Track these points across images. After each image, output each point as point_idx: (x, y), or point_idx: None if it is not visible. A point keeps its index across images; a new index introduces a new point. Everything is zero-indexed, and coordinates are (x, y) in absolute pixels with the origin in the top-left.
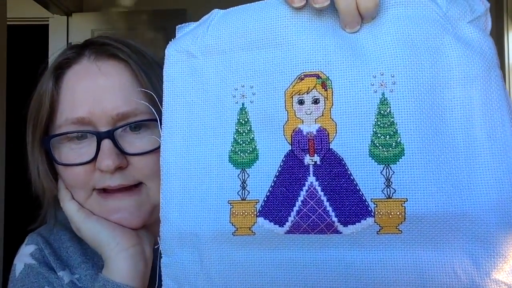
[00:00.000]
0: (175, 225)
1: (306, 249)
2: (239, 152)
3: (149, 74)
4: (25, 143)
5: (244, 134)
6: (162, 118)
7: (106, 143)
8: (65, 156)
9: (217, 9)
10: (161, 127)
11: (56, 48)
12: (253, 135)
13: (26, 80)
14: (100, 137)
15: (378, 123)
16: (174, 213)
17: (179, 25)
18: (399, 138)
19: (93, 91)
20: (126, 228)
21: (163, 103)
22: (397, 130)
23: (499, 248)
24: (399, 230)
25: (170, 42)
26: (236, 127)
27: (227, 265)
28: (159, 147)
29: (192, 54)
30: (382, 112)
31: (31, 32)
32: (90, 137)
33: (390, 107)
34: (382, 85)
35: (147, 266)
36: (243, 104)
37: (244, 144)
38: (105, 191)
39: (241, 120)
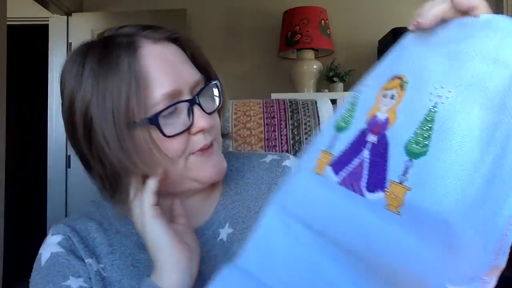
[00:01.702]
0: None
1: (343, 197)
2: (341, 121)
3: (195, 48)
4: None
5: (349, 111)
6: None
7: (198, 107)
8: (166, 131)
9: None
10: (221, 88)
11: (56, 48)
12: (354, 113)
13: (26, 80)
14: (192, 103)
15: (421, 125)
16: None
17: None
18: (429, 142)
19: (171, 66)
20: (183, 242)
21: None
22: (430, 135)
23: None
24: (398, 212)
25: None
26: (347, 106)
27: (298, 191)
28: (221, 104)
29: None
30: (427, 117)
31: (31, 32)
32: (179, 108)
33: (434, 115)
34: (438, 95)
35: (191, 282)
36: (357, 89)
37: (346, 117)
38: (201, 151)
39: (351, 101)
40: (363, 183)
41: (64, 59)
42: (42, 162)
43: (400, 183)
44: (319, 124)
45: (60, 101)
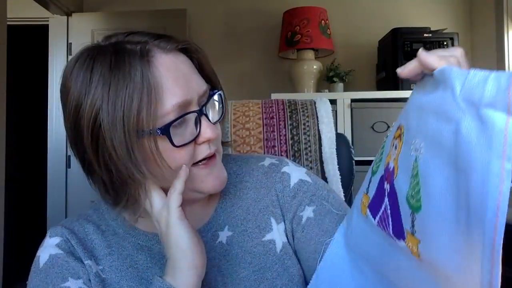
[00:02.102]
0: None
1: (383, 239)
2: (374, 164)
3: (202, 57)
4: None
5: (379, 154)
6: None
7: (205, 118)
8: (175, 141)
9: None
10: (224, 97)
11: (56, 48)
12: (383, 156)
13: (26, 80)
14: (199, 114)
15: (412, 179)
16: None
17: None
18: (420, 197)
19: (182, 77)
20: (202, 246)
21: None
22: (419, 190)
23: None
24: (420, 258)
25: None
26: (380, 149)
27: (355, 229)
28: (224, 112)
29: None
30: (413, 171)
31: (31, 32)
32: (186, 118)
33: (418, 170)
34: (416, 150)
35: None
36: (387, 135)
37: (377, 161)
38: (204, 163)
39: (383, 144)
40: (390, 230)
41: (64, 59)
42: (42, 162)
43: (412, 234)
44: (318, 124)
45: (60, 101)
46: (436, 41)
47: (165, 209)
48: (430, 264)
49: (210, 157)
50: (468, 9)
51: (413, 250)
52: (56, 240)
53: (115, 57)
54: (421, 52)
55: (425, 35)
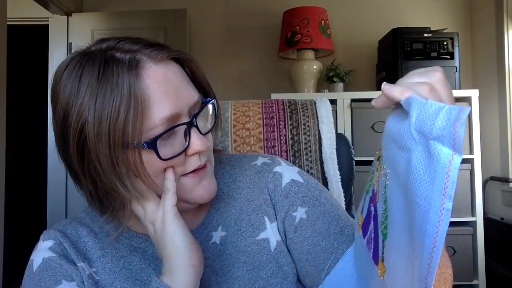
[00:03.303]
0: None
1: (368, 260)
2: (369, 183)
3: (195, 66)
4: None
5: (370, 174)
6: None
7: (195, 130)
8: (163, 154)
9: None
10: (217, 106)
11: (56, 48)
12: (373, 175)
13: (26, 80)
14: (189, 126)
15: (383, 205)
16: None
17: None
18: (387, 224)
19: (172, 88)
20: (198, 245)
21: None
22: (387, 217)
23: None
24: None
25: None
26: (372, 168)
27: (357, 247)
28: (216, 122)
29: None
30: (383, 197)
31: (31, 32)
32: (176, 130)
33: (386, 197)
34: (385, 175)
35: (198, 286)
36: (376, 155)
37: (370, 179)
38: (194, 172)
39: (374, 162)
40: (371, 254)
41: (64, 59)
42: (42, 162)
43: (382, 261)
44: (318, 124)
45: None
46: (436, 41)
47: (160, 210)
48: None
49: (201, 168)
50: (468, 9)
51: (383, 279)
52: (49, 243)
53: (103, 67)
54: (384, 86)
55: (425, 35)
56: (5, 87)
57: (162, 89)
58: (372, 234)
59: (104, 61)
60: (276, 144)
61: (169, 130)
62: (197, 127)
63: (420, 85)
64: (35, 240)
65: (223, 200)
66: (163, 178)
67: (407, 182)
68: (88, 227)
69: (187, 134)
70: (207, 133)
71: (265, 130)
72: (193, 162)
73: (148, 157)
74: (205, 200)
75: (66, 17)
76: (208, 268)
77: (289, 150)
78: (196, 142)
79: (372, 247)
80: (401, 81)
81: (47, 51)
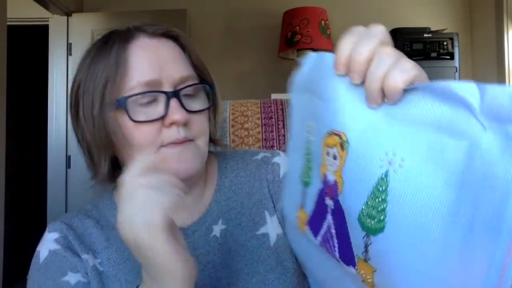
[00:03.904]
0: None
1: (328, 259)
2: (305, 174)
3: (192, 50)
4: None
5: (307, 161)
6: (288, 145)
7: (176, 101)
8: (136, 117)
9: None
10: (213, 92)
11: (56, 48)
12: (312, 164)
13: (26, 80)
14: (169, 96)
15: (372, 195)
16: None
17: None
18: (383, 217)
19: (158, 59)
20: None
21: (290, 128)
22: (385, 208)
23: None
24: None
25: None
26: (305, 156)
27: (294, 243)
28: (209, 107)
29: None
30: (378, 187)
31: (31, 32)
32: (158, 99)
33: (387, 185)
34: (390, 163)
35: None
36: (307, 138)
37: (306, 169)
38: (173, 144)
39: (306, 150)
40: (337, 254)
41: (64, 59)
42: (42, 162)
43: (365, 261)
44: None
45: (60, 101)
46: (436, 42)
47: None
48: None
49: (180, 143)
50: (468, 9)
51: (366, 280)
52: (54, 235)
53: (105, 39)
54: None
55: (425, 35)
56: (5, 87)
57: (146, 56)
58: (333, 231)
59: (107, 36)
60: (275, 144)
61: (145, 93)
62: (180, 99)
63: (382, 59)
64: (35, 241)
65: (225, 194)
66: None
67: (467, 168)
68: (94, 219)
69: (168, 103)
70: (196, 112)
71: (263, 130)
72: (171, 134)
73: (125, 121)
74: (180, 174)
75: (66, 17)
76: (209, 263)
77: None
78: (174, 111)
79: (337, 245)
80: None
81: (47, 51)
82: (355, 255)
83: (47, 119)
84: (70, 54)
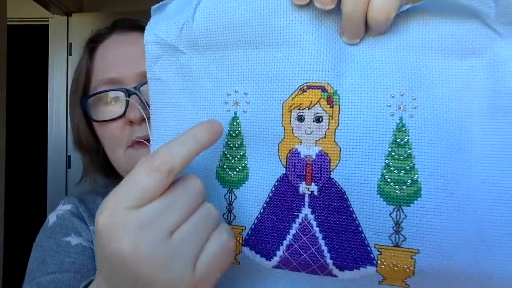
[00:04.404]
0: None
1: (295, 286)
2: (227, 169)
3: None
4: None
5: (234, 148)
6: (151, 120)
7: (134, 98)
8: (101, 116)
9: None
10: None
11: (56, 48)
12: (245, 151)
13: (26, 80)
14: (128, 92)
15: (393, 153)
16: None
17: (155, 6)
18: (416, 175)
19: (122, 56)
20: None
21: (150, 103)
22: (414, 164)
23: None
24: (405, 284)
25: (146, 30)
26: (226, 139)
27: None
28: None
29: (177, 48)
30: (398, 141)
31: (31, 32)
32: (121, 97)
33: (408, 136)
34: (400, 108)
35: None
36: (235, 113)
37: (233, 160)
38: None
39: (231, 132)
40: (327, 259)
41: (64, 59)
42: (42, 162)
43: (397, 246)
44: None
45: (60, 101)
46: None
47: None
48: (430, 286)
49: (141, 142)
50: None
51: (394, 276)
52: (67, 206)
53: (85, 42)
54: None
55: None
56: (5, 87)
57: (112, 53)
58: (315, 230)
59: (90, 37)
60: None
61: (101, 93)
62: (139, 96)
63: None
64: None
65: None
66: (119, 154)
67: (500, 82)
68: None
69: (127, 102)
70: None
71: None
72: (132, 134)
73: (91, 121)
74: None
75: (66, 17)
76: None
77: None
78: (129, 110)
79: (323, 248)
80: None
81: (47, 51)
82: (370, 247)
83: (47, 119)
84: (70, 54)
